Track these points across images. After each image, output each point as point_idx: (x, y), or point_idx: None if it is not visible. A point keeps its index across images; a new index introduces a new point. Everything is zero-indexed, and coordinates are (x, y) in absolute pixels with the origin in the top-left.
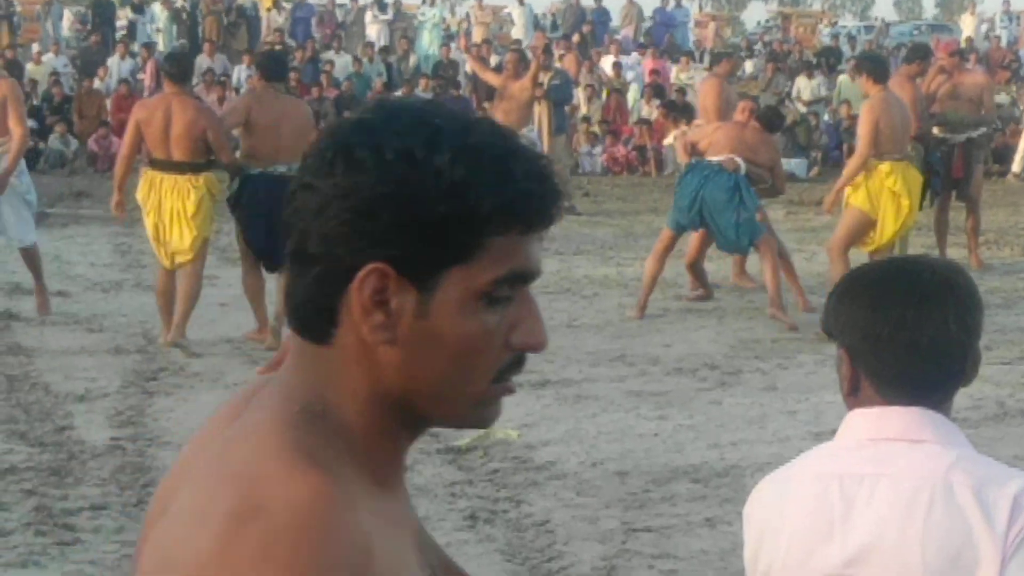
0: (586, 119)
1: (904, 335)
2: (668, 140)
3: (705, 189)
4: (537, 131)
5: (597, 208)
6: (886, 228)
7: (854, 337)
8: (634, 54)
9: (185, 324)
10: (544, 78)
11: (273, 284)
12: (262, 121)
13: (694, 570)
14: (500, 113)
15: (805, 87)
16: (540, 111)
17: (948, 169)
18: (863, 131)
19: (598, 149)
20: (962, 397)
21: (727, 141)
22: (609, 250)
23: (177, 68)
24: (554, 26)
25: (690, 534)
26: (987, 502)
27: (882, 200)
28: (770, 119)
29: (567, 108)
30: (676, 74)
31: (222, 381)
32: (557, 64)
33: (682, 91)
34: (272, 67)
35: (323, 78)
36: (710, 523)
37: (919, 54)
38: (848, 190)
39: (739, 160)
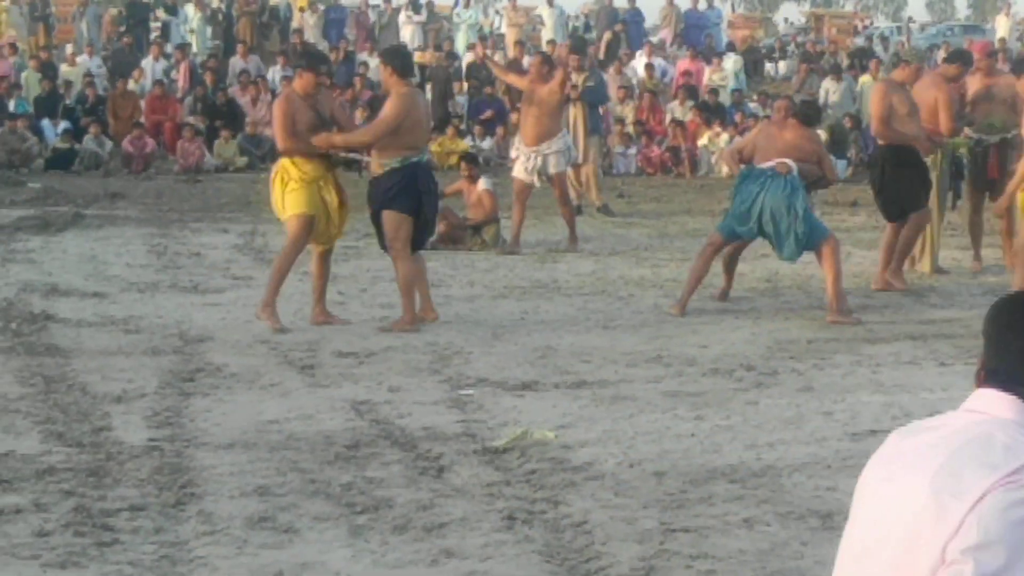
0: (620, 120)
1: None
2: (702, 141)
3: (766, 196)
4: (571, 133)
5: (631, 209)
6: None
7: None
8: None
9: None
10: (579, 79)
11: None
12: (414, 115)
13: (732, 570)
14: (530, 118)
15: (834, 90)
16: (575, 112)
17: (983, 170)
18: None
19: (632, 150)
20: None
21: (771, 144)
22: (644, 251)
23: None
24: (587, 27)
25: (728, 534)
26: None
27: None
28: (807, 114)
29: (601, 109)
30: (709, 75)
31: (259, 382)
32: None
33: (715, 92)
34: (407, 64)
35: (356, 80)
36: (748, 523)
37: (961, 58)
38: (1020, 194)
39: (790, 162)
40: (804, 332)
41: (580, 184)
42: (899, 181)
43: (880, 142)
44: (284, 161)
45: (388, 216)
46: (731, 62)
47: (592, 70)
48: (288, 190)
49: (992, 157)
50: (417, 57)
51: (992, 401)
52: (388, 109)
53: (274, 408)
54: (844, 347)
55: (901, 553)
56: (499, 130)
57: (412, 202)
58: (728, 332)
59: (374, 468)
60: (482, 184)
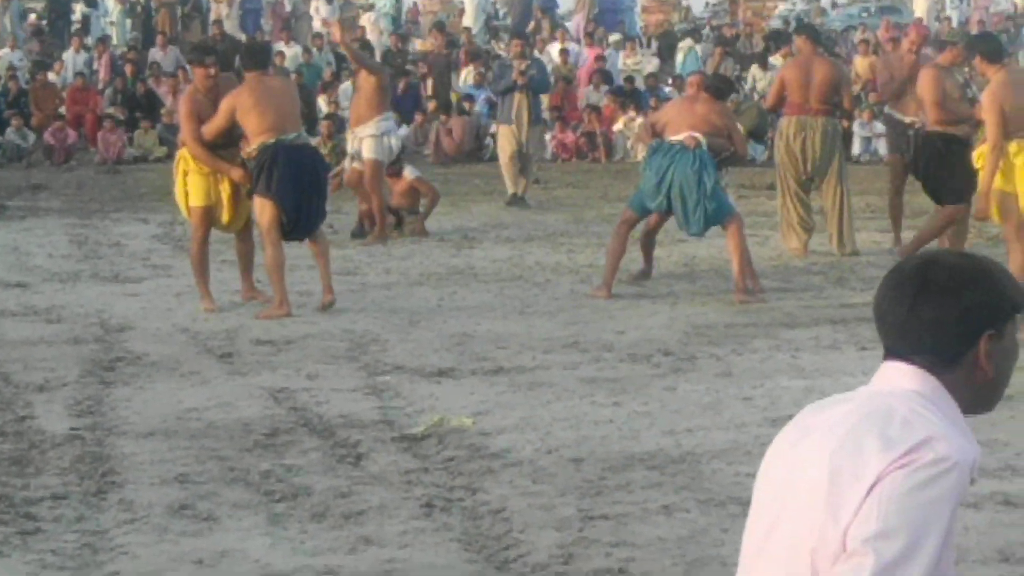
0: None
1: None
2: (617, 126)
3: (675, 170)
4: (516, 122)
5: (547, 195)
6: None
7: None
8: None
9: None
10: (522, 66)
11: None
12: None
13: (651, 558)
14: (353, 102)
15: (761, 77)
16: (519, 101)
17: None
18: (988, 118)
19: (547, 136)
20: None
21: (682, 118)
22: (560, 237)
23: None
24: (497, 14)
25: (647, 521)
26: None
27: (1015, 176)
28: (718, 87)
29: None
30: (623, 60)
31: (178, 371)
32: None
33: (630, 78)
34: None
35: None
36: (667, 510)
37: (952, 42)
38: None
39: (699, 136)
40: (722, 317)
41: (513, 171)
42: (944, 169)
43: (932, 128)
44: (184, 151)
45: (254, 200)
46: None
47: (534, 58)
48: (190, 181)
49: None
50: (419, 45)
51: (894, 373)
52: (220, 106)
53: (193, 396)
54: (763, 332)
55: (803, 535)
56: (417, 117)
57: (270, 184)
58: (645, 317)
59: (292, 456)
60: (409, 174)
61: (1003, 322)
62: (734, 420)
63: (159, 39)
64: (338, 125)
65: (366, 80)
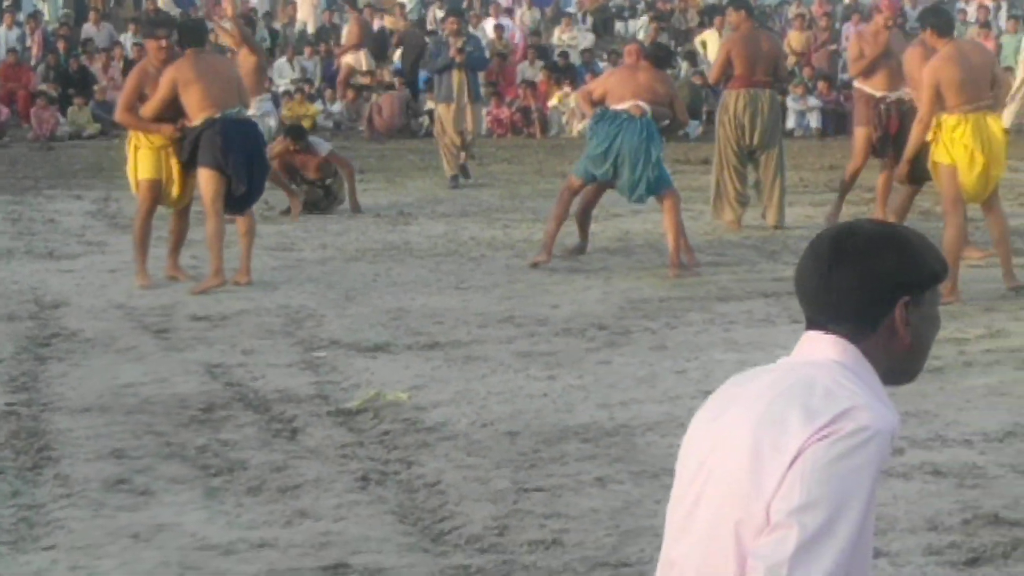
0: None
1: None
2: (552, 102)
3: (623, 138)
4: (456, 101)
5: (482, 170)
6: (964, 181)
7: None
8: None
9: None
10: (458, 43)
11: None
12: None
13: (585, 529)
14: None
15: (713, 42)
16: (458, 79)
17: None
18: (923, 94)
19: (484, 111)
20: None
21: (624, 86)
22: (495, 212)
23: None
24: None
25: (581, 493)
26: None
27: (955, 152)
28: (658, 56)
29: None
30: (558, 36)
31: (114, 346)
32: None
33: (564, 54)
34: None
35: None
36: (600, 482)
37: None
38: (932, 150)
39: (644, 104)
40: (656, 291)
41: (453, 152)
42: None
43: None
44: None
45: (198, 172)
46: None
47: (470, 35)
48: (139, 155)
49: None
50: (387, 22)
51: (815, 343)
52: (161, 79)
53: (129, 372)
54: (697, 305)
55: (727, 508)
56: (350, 93)
57: (217, 157)
58: (580, 292)
59: (228, 430)
60: (323, 150)
61: (920, 290)
62: (668, 393)
63: (92, 15)
64: (274, 101)
65: (246, 59)
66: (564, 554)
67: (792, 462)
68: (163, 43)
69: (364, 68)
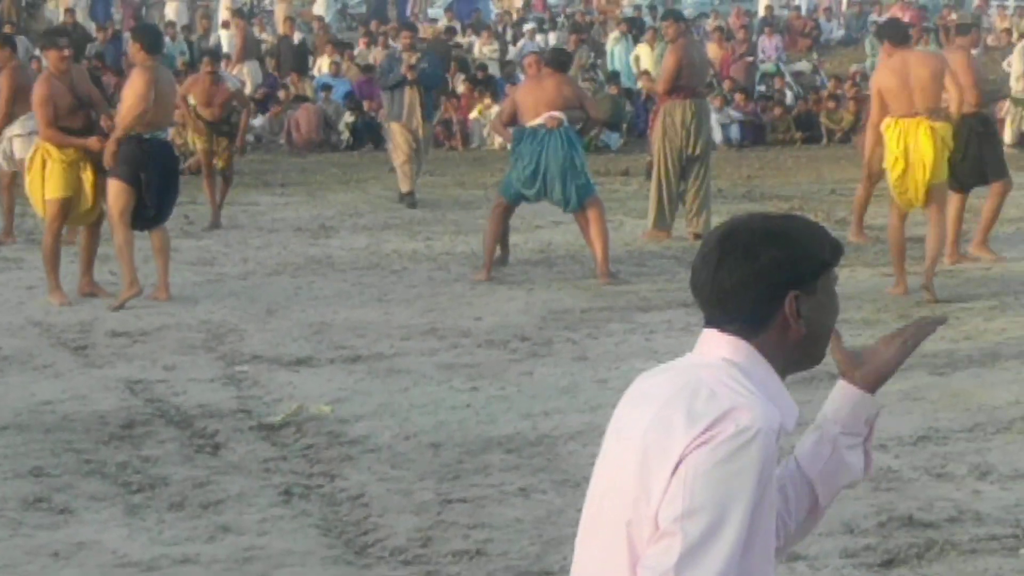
0: None
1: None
2: (473, 114)
3: (547, 155)
4: (406, 117)
5: None
6: (891, 183)
7: None
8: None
9: None
10: (412, 60)
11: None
12: (160, 91)
13: (509, 538)
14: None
15: (646, 55)
16: (411, 96)
17: None
18: (873, 100)
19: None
20: None
21: (535, 99)
22: (417, 225)
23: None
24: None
25: (504, 504)
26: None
27: (887, 157)
28: (558, 60)
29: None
30: (479, 48)
31: (31, 364)
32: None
33: (483, 67)
34: (155, 41)
35: (124, 60)
36: (524, 492)
37: (973, 25)
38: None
39: (558, 114)
40: (578, 302)
41: (407, 170)
42: (985, 147)
43: (970, 110)
44: (42, 141)
45: (109, 183)
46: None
47: (426, 52)
48: (49, 172)
49: None
50: (421, 32)
51: (708, 342)
52: (135, 82)
53: (47, 389)
54: (618, 315)
55: (620, 510)
56: (272, 107)
57: (134, 174)
58: (502, 303)
59: (149, 447)
60: (231, 85)
61: (810, 279)
62: (589, 403)
63: (7, 28)
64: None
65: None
66: (488, 564)
67: (675, 468)
68: (64, 53)
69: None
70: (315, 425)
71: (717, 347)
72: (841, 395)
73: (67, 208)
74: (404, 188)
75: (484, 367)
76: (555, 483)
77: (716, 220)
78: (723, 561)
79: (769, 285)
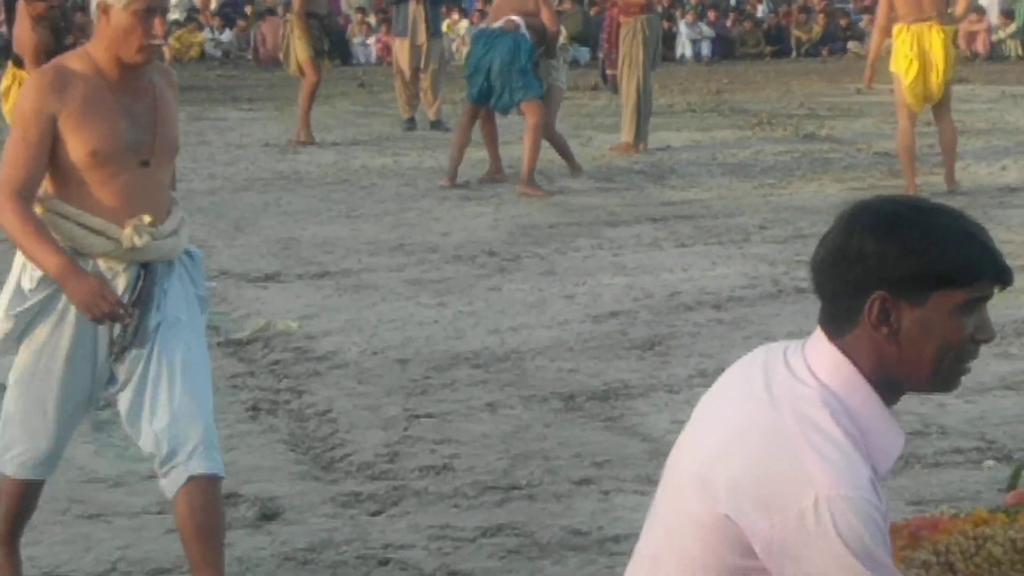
0: (360, 9)
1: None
2: (445, 28)
3: (494, 52)
4: (411, 34)
5: (373, 99)
6: (903, 87)
7: None
8: None
9: None
10: None
11: None
12: None
13: (476, 453)
14: None
15: None
16: (415, 11)
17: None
18: (880, 5)
19: (372, 39)
20: (738, 277)
21: (499, 8)
22: (385, 140)
23: None
24: None
25: (472, 419)
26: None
27: (898, 60)
28: None
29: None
30: None
31: None
32: None
33: None
34: None
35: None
36: (491, 407)
37: None
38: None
39: (516, 19)
40: (546, 217)
41: (409, 92)
42: None
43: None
44: None
45: None
46: None
47: None
48: None
49: None
50: None
51: (816, 351)
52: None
53: None
54: (585, 231)
55: (678, 518)
56: (240, 22)
57: None
58: (470, 219)
59: None
60: None
61: (915, 288)
62: (557, 318)
63: None
64: None
65: None
66: (455, 479)
67: (768, 543)
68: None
69: None
70: (282, 341)
71: (818, 361)
72: None
73: None
74: (404, 114)
75: (452, 282)
76: (522, 398)
77: (684, 136)
78: None
79: (856, 272)
